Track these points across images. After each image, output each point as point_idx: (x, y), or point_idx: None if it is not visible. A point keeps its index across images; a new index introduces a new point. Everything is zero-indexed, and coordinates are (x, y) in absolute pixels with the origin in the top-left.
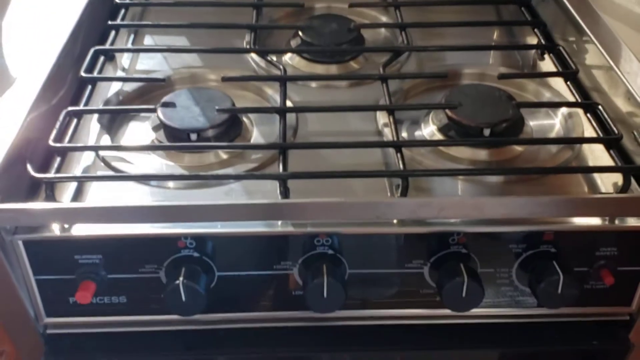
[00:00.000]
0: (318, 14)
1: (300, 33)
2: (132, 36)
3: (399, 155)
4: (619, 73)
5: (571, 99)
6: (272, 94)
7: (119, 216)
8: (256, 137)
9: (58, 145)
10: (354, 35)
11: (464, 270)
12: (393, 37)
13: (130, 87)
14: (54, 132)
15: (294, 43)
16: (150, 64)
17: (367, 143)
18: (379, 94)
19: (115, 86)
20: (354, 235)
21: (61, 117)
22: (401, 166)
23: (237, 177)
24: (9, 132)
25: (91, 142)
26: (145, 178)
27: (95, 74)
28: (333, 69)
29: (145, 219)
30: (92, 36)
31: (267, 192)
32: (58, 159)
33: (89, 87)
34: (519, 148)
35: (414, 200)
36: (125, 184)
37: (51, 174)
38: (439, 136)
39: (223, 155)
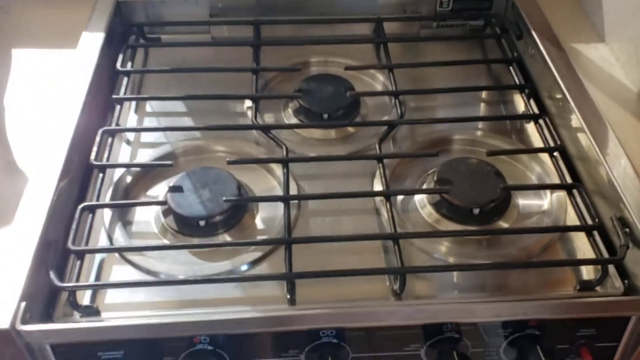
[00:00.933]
0: (315, 75)
1: (299, 100)
2: (134, 103)
3: (396, 248)
4: (598, 152)
5: (555, 174)
6: (276, 167)
7: (140, 331)
8: (261, 215)
9: (77, 248)
10: (351, 101)
11: (456, 355)
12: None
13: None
14: (72, 233)
15: (292, 106)
16: (156, 135)
17: (366, 236)
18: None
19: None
20: (357, 328)
21: (77, 216)
22: (398, 261)
23: (244, 279)
24: (30, 237)
25: (105, 229)
26: (163, 284)
27: (104, 161)
28: (331, 133)
29: (158, 332)
30: (97, 110)
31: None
32: (78, 262)
33: (100, 175)
34: (505, 224)
35: (411, 307)
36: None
37: (73, 283)
38: (431, 211)
39: (229, 239)
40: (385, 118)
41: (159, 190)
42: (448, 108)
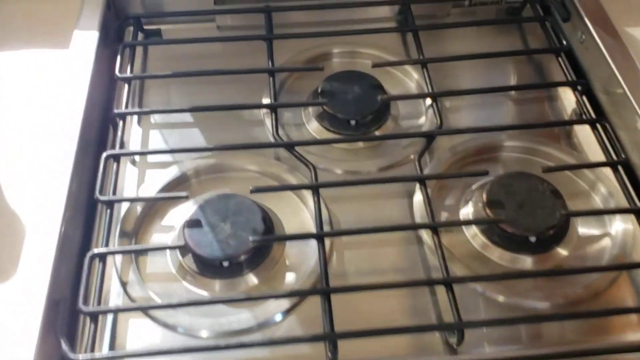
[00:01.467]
0: (338, 73)
1: (323, 106)
2: (136, 117)
3: (450, 295)
4: None
5: (620, 192)
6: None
7: None
8: (290, 248)
9: (90, 310)
10: (381, 105)
11: None
12: (421, 91)
13: (149, 185)
14: (82, 289)
15: (313, 112)
16: (164, 155)
17: (414, 282)
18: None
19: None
20: None
21: (86, 267)
22: (455, 314)
23: (279, 342)
24: (35, 297)
25: (117, 273)
26: (190, 350)
27: (110, 194)
28: (359, 143)
29: None
30: (96, 127)
31: (311, 323)
32: (91, 325)
33: (107, 211)
34: (564, 252)
35: None
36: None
37: (88, 355)
38: (477, 233)
39: (255, 280)
40: (421, 121)
41: (174, 219)
42: (487, 108)
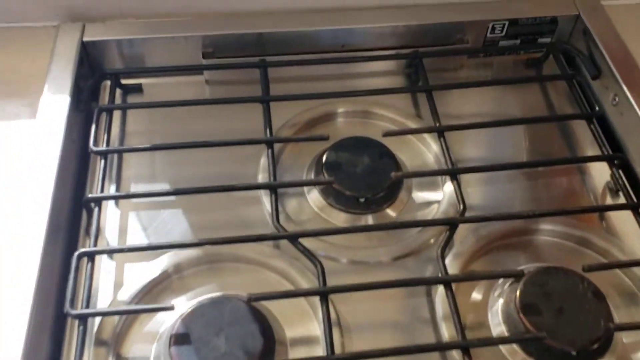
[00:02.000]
0: (345, 141)
1: (333, 183)
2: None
3: None
4: None
5: None
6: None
7: None
8: None
9: None
10: (393, 182)
11: None
12: (438, 162)
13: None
14: None
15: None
16: (148, 238)
17: None
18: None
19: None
20: None
21: None
22: None
23: None
24: None
25: None
26: None
27: (82, 307)
28: (368, 219)
29: None
30: (66, 214)
31: None
32: None
33: (80, 328)
34: None
35: None
36: None
37: None
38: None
39: None
40: (438, 196)
41: (160, 322)
42: (511, 181)
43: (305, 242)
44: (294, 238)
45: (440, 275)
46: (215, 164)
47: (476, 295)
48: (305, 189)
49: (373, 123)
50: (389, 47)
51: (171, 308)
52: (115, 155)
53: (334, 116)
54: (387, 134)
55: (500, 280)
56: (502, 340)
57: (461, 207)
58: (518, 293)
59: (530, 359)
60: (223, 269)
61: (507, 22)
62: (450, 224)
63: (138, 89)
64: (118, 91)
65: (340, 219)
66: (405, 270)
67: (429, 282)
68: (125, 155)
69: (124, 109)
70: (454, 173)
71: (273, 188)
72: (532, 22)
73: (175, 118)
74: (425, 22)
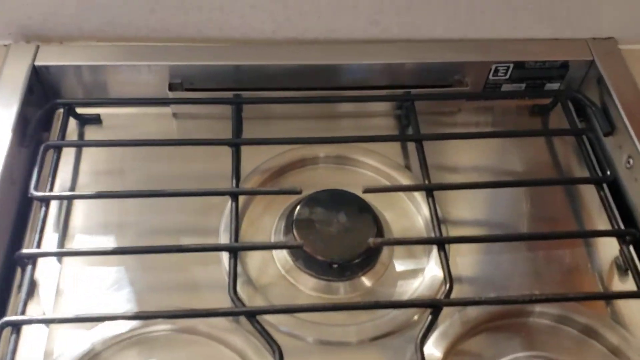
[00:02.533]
0: (320, 195)
1: (303, 247)
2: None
3: None
4: None
5: None
6: None
7: None
8: None
9: None
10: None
11: None
12: (426, 223)
13: None
14: None
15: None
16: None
17: None
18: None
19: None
20: None
21: None
22: None
23: None
24: None
25: None
26: None
27: None
28: (340, 288)
29: None
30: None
31: None
32: None
33: None
34: None
35: None
36: None
37: None
38: None
39: None
40: (421, 264)
41: None
42: (509, 253)
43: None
44: (251, 315)
45: None
46: (176, 213)
47: None
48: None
49: (355, 171)
50: (379, 87)
51: None
52: (64, 201)
53: (311, 161)
54: (368, 190)
55: None
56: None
57: (447, 286)
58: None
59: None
60: (169, 342)
61: (512, 65)
62: (433, 307)
63: (96, 119)
64: (74, 123)
65: (309, 284)
66: (380, 353)
67: None
68: (76, 201)
69: (76, 146)
70: (441, 243)
71: (233, 251)
72: (541, 65)
73: (137, 156)
74: (420, 61)
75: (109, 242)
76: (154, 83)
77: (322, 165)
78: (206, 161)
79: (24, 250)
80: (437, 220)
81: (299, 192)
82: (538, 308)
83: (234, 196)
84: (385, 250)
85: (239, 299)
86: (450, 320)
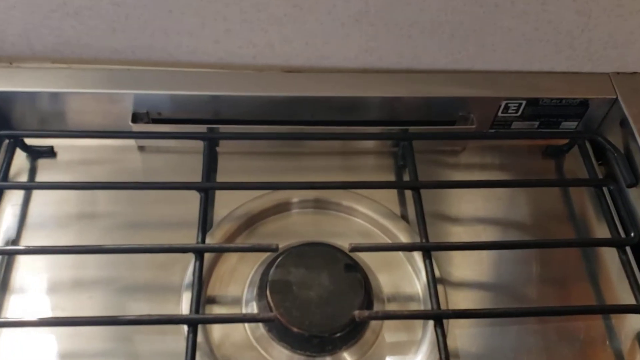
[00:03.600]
0: (300, 246)
1: (275, 319)
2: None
3: None
4: None
5: None
6: None
7: None
8: None
9: None
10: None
11: None
12: (422, 286)
13: None
14: None
15: (259, 300)
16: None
17: None
18: None
19: None
20: None
21: None
22: None
23: None
24: None
25: None
26: None
27: None
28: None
29: None
30: None
31: None
32: None
33: None
34: None
35: None
36: None
37: None
38: None
39: None
40: (415, 337)
41: None
42: (515, 325)
43: None
44: None
45: None
46: (133, 268)
47: None
48: (243, 309)
49: (343, 218)
50: (373, 122)
51: None
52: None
53: (291, 206)
54: (355, 249)
55: None
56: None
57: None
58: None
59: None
60: None
61: (524, 102)
62: None
63: (49, 152)
64: (23, 156)
65: (283, 359)
66: None
67: None
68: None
69: (13, 188)
70: (439, 318)
71: (192, 323)
72: (557, 103)
73: (95, 198)
74: (420, 95)
75: (61, 301)
76: (116, 112)
77: (305, 210)
78: (174, 202)
79: None
80: (434, 287)
81: (275, 250)
82: None
83: (199, 253)
84: (373, 322)
85: None
86: None
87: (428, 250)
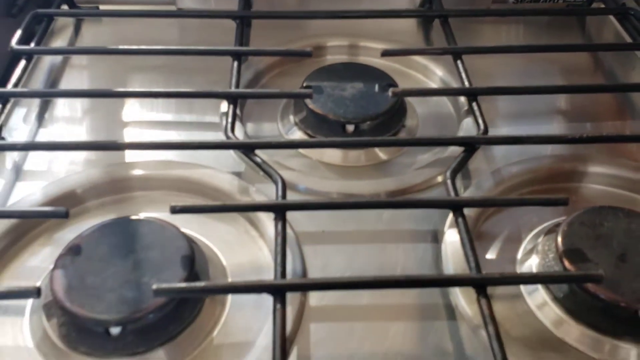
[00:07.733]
0: (333, 64)
1: (306, 102)
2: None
3: None
4: None
5: None
6: (266, 218)
7: None
8: (233, 311)
9: None
10: (392, 104)
11: None
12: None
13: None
14: None
15: (296, 113)
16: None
17: None
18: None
19: None
20: None
21: None
22: None
23: None
24: None
25: None
26: None
27: None
28: (360, 158)
29: None
30: None
31: None
32: None
33: None
34: None
35: None
36: None
37: None
38: (553, 308)
39: None
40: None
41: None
42: (546, 115)
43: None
44: (249, 148)
45: (449, 195)
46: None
47: (498, 254)
48: (282, 128)
49: (372, 60)
50: None
51: (63, 214)
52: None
53: (323, 51)
54: (387, 52)
55: (536, 230)
56: (539, 278)
57: (482, 127)
58: (559, 237)
59: (577, 323)
60: (152, 200)
61: None
62: (466, 144)
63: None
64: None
65: (323, 155)
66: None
67: (436, 205)
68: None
69: (72, 16)
70: (475, 94)
71: (233, 97)
72: None
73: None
74: None
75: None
76: None
77: (334, 56)
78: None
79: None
80: (469, 80)
81: (310, 54)
82: (586, 167)
83: (237, 56)
84: (409, 124)
85: (234, 135)
86: (481, 182)
87: (459, 53)
